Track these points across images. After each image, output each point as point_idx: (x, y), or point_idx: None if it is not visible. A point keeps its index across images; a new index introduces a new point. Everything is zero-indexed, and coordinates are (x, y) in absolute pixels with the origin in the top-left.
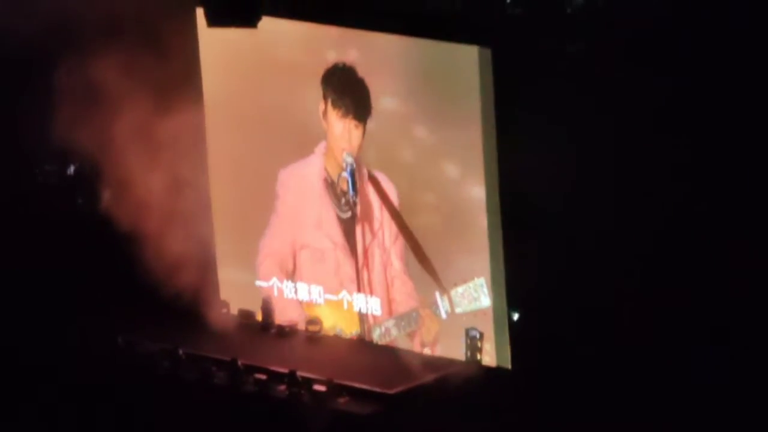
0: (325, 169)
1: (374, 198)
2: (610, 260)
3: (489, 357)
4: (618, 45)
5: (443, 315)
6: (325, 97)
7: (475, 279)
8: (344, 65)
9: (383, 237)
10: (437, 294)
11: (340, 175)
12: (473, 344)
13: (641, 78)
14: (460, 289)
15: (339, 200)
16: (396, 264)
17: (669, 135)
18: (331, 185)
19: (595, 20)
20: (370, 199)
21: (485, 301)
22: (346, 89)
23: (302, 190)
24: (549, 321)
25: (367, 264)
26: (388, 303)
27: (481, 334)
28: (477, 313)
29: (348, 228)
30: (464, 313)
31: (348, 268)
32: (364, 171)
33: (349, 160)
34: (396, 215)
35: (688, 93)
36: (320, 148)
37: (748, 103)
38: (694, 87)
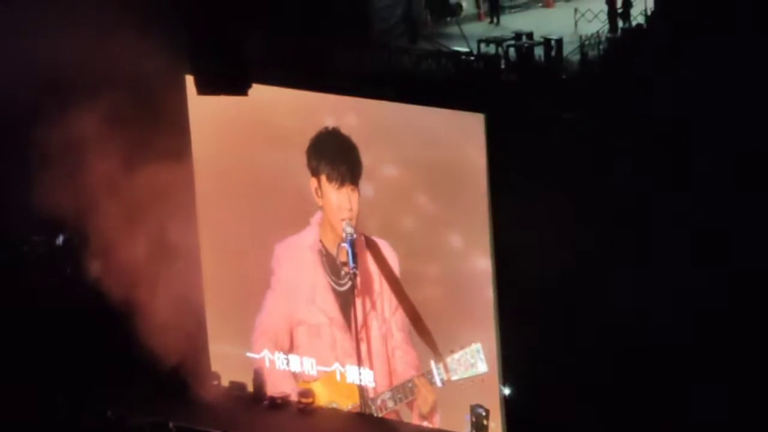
0: (320, 241)
1: (373, 266)
2: (612, 333)
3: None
4: (614, 112)
5: (438, 383)
6: (316, 173)
7: (472, 345)
8: (334, 130)
9: (383, 307)
10: (432, 362)
11: (339, 246)
12: (479, 422)
13: (638, 144)
14: (456, 356)
15: (337, 272)
16: (397, 335)
17: (667, 201)
18: (326, 257)
19: (591, 87)
20: (369, 268)
21: (482, 367)
22: (339, 157)
23: (298, 264)
24: (546, 395)
25: (366, 336)
26: (389, 374)
27: (487, 411)
28: (479, 385)
29: (345, 300)
30: (460, 380)
31: (345, 342)
32: (362, 238)
33: (349, 230)
34: (395, 283)
35: (685, 159)
36: (316, 218)
37: (746, 167)
38: (691, 152)
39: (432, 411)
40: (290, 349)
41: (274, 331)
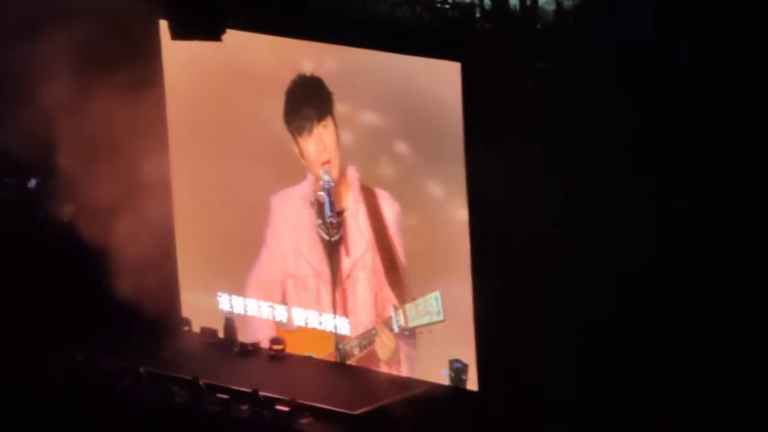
0: (314, 192)
1: (364, 216)
2: (584, 281)
3: (471, 383)
4: (589, 62)
5: (396, 329)
6: (294, 132)
7: (432, 293)
8: (309, 76)
9: (373, 258)
10: (392, 308)
11: (316, 194)
12: (457, 377)
13: (612, 96)
14: (415, 303)
15: (325, 223)
16: (373, 284)
17: (641, 154)
18: (319, 208)
19: (566, 37)
20: (359, 218)
21: (438, 315)
22: (309, 103)
23: (291, 216)
24: (522, 349)
25: (344, 287)
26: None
27: (465, 366)
28: (455, 337)
29: (332, 251)
30: (417, 326)
31: (329, 293)
32: (357, 185)
33: (326, 177)
34: (383, 234)
35: (658, 110)
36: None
37: (721, 122)
38: (665, 104)
39: (394, 359)
40: (282, 301)
41: (264, 284)
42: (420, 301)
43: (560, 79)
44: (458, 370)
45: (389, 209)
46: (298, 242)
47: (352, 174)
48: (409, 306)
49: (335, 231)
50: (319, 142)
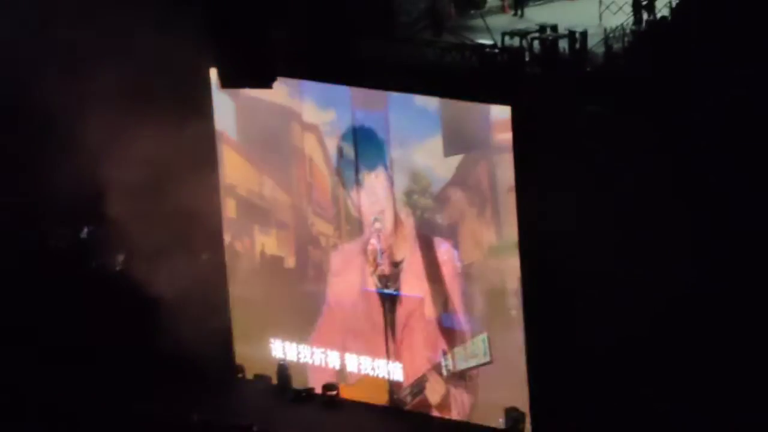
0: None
1: (419, 265)
2: (639, 324)
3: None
4: (638, 104)
5: (445, 373)
6: (347, 187)
7: (480, 335)
8: (358, 126)
9: (428, 307)
10: (441, 353)
11: (368, 244)
12: (515, 426)
13: (661, 138)
14: (464, 346)
15: (376, 271)
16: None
17: (688, 197)
18: (374, 258)
19: (615, 80)
20: (413, 268)
21: (485, 357)
22: (358, 152)
23: (350, 273)
24: (572, 394)
25: (401, 337)
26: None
27: (523, 415)
28: (511, 385)
29: (389, 303)
30: (465, 369)
31: (382, 342)
32: (412, 233)
33: (378, 225)
34: (440, 283)
35: (707, 153)
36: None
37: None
38: (713, 146)
39: (444, 404)
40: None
41: (328, 339)
42: (468, 344)
43: (609, 121)
44: (515, 419)
45: (447, 257)
46: (356, 298)
47: (409, 223)
48: (457, 349)
49: (392, 282)
50: (372, 193)
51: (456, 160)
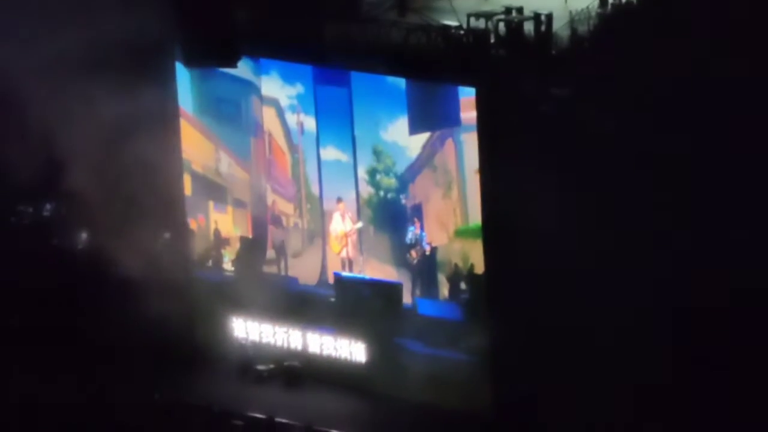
0: None
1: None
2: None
3: None
4: (603, 88)
5: None
6: None
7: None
8: None
9: None
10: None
11: None
12: None
13: (626, 122)
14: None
15: None
16: None
17: (653, 179)
18: None
19: (581, 63)
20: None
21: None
22: None
23: None
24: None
25: None
26: None
27: None
28: None
29: None
30: None
31: None
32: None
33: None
34: None
35: (670, 137)
36: None
37: (727, 148)
38: (677, 131)
39: None
40: None
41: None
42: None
43: (573, 104)
44: None
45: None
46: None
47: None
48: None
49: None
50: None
51: (422, 138)
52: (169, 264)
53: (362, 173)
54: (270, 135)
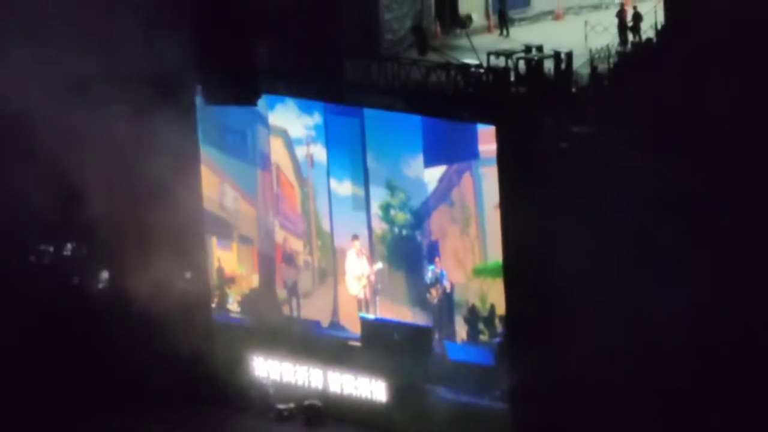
0: None
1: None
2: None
3: None
4: (623, 126)
5: None
6: None
7: None
8: None
9: None
10: None
11: None
12: None
13: (647, 160)
14: None
15: None
16: None
17: (674, 218)
18: None
19: (601, 101)
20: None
21: None
22: None
23: None
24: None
25: None
26: None
27: None
28: None
29: None
30: None
31: None
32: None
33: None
34: None
35: (690, 176)
36: None
37: (753, 182)
38: (697, 171)
39: None
40: None
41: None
42: None
43: (593, 141)
44: None
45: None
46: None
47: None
48: None
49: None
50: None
51: (438, 171)
52: (190, 303)
53: (375, 208)
54: (278, 167)
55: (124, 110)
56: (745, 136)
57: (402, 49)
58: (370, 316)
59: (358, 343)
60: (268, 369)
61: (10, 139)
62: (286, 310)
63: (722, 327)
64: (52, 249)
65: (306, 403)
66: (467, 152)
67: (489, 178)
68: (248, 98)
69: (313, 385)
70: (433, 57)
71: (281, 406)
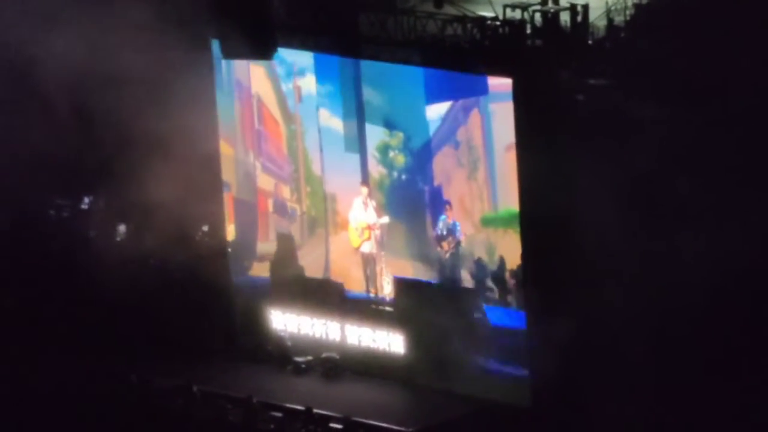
0: None
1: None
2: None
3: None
4: (640, 79)
5: None
6: None
7: None
8: None
9: None
10: None
11: None
12: None
13: (662, 113)
14: None
15: None
16: None
17: (688, 172)
18: None
19: (617, 53)
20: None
21: None
22: None
23: None
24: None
25: None
26: None
27: None
28: None
29: None
30: None
31: None
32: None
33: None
34: None
35: (704, 129)
36: None
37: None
38: (711, 123)
39: None
40: None
41: None
42: None
43: (610, 94)
44: None
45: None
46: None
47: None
48: None
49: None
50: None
51: (442, 108)
52: (207, 255)
53: (372, 149)
54: (260, 100)
55: (139, 65)
56: (763, 90)
57: (418, 2)
58: (404, 276)
59: (386, 307)
60: (286, 322)
61: (24, 89)
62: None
63: (748, 278)
64: (69, 203)
65: (323, 355)
66: (475, 87)
67: (499, 116)
68: (264, 52)
69: (331, 337)
70: (449, 10)
71: (299, 359)
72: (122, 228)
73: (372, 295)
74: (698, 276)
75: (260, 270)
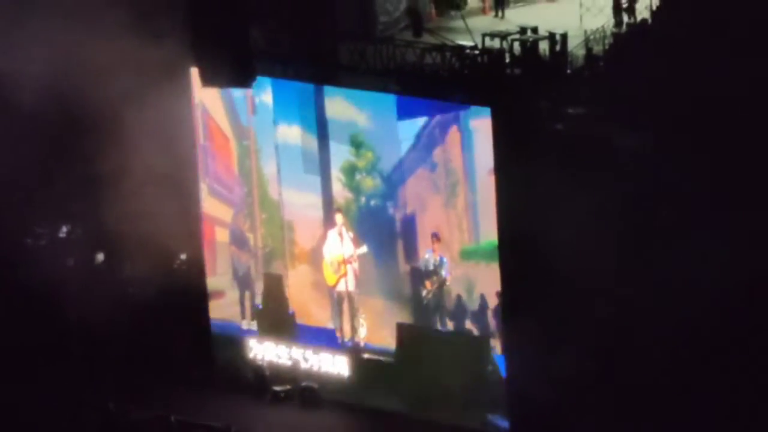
0: None
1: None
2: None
3: None
4: (617, 107)
5: None
6: None
7: None
8: None
9: None
10: None
11: None
12: None
13: (640, 141)
14: None
15: None
16: None
17: (667, 198)
18: None
19: (596, 82)
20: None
21: None
22: None
23: None
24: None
25: None
26: None
27: None
28: None
29: None
30: None
31: None
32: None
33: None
34: None
35: (685, 157)
36: None
37: (746, 166)
38: (693, 151)
39: None
40: None
41: None
42: None
43: (589, 122)
44: None
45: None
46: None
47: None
48: None
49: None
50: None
51: (416, 124)
52: (185, 284)
53: (336, 171)
54: (205, 110)
55: (118, 90)
56: (740, 117)
57: (397, 31)
58: (407, 322)
59: (383, 358)
60: (264, 350)
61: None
62: (236, 310)
63: (728, 310)
64: (47, 231)
65: (303, 384)
66: (456, 99)
67: (482, 134)
68: (244, 81)
69: (310, 365)
70: (428, 39)
71: (277, 388)
72: (100, 256)
73: (345, 339)
74: (684, 302)
75: (218, 311)
